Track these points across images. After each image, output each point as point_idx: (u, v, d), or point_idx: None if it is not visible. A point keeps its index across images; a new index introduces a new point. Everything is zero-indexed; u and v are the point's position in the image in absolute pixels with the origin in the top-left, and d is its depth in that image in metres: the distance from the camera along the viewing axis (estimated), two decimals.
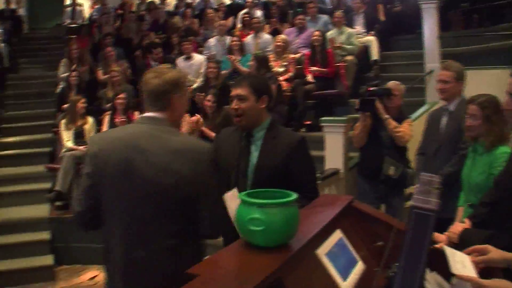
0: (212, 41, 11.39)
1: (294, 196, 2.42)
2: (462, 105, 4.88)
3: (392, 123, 5.61)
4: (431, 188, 2.36)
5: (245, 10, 13.32)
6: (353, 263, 2.66)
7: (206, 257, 2.67)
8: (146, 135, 2.87)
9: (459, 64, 5.31)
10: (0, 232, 7.84)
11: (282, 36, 9.84)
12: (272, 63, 9.23)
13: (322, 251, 2.47)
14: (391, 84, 5.82)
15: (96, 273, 7.51)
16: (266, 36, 11.00)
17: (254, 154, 3.56)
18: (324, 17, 11.66)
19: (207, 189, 2.86)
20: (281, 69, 9.40)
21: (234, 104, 3.54)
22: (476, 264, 2.45)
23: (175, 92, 3.02)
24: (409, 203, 2.70)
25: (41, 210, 8.33)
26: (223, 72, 9.54)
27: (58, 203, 8.21)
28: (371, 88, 5.77)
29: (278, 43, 9.55)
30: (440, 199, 2.19)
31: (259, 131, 3.59)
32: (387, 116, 5.64)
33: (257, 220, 2.28)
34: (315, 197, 3.30)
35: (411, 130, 5.69)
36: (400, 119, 5.73)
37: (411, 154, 5.87)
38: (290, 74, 9.38)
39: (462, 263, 2.43)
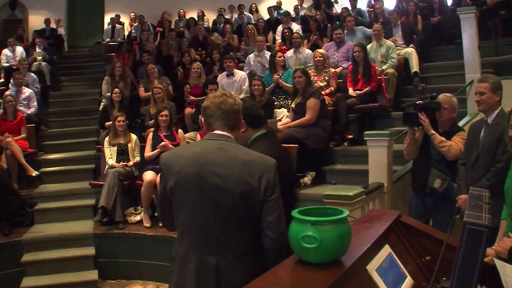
0: (251, 57, 11.42)
1: (346, 212, 2.42)
2: (500, 117, 4.93)
3: (437, 138, 5.55)
4: (482, 203, 2.34)
5: (282, 25, 13.41)
6: (402, 278, 2.66)
7: None
8: (214, 149, 3.05)
9: (495, 76, 5.28)
10: (45, 247, 7.93)
11: (321, 51, 9.76)
12: (313, 78, 9.21)
13: (372, 267, 2.47)
14: (441, 97, 5.73)
15: None
16: (306, 51, 10.97)
17: None
18: (360, 28, 11.74)
19: (272, 200, 2.96)
20: (323, 84, 9.36)
21: None
22: None
23: (241, 114, 3.31)
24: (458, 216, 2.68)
25: (86, 226, 8.40)
26: (268, 88, 9.48)
27: (102, 219, 8.25)
28: (419, 102, 5.72)
29: (317, 58, 9.50)
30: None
31: None
32: (432, 131, 5.58)
33: (311, 237, 2.30)
34: None
35: (463, 143, 5.57)
36: (452, 132, 5.68)
37: None
38: (331, 88, 9.33)
39: None
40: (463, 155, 5.52)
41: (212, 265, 2.95)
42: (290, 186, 3.89)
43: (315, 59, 9.57)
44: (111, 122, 9.03)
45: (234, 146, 3.14)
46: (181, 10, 18.56)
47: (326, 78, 9.40)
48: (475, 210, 2.26)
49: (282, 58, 9.97)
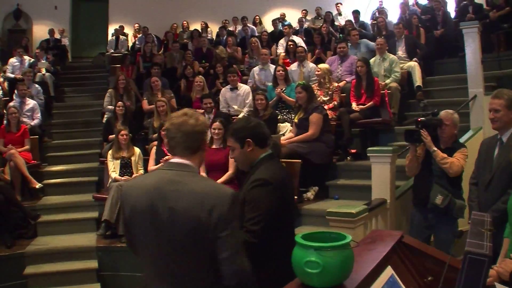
0: (256, 70, 11.44)
1: (349, 238, 2.43)
2: None
3: (439, 155, 5.50)
4: (484, 230, 2.34)
5: (284, 38, 13.47)
6: None
7: None
8: (167, 181, 2.89)
9: (509, 91, 5.11)
10: (48, 259, 7.93)
11: (321, 66, 9.82)
12: (316, 92, 9.22)
13: None
14: (442, 113, 5.68)
15: None
16: (310, 65, 10.99)
17: None
18: (364, 41, 11.78)
19: (224, 236, 2.78)
20: (326, 98, 9.38)
21: (230, 154, 3.74)
22: None
23: (205, 134, 3.13)
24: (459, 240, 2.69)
25: (89, 239, 8.37)
26: (270, 102, 9.52)
27: (105, 232, 8.25)
28: (420, 119, 5.69)
29: (320, 73, 9.54)
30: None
31: (249, 170, 3.73)
32: (434, 148, 5.54)
33: (314, 263, 2.31)
34: (251, 230, 3.38)
35: (465, 160, 5.56)
36: (454, 148, 5.62)
37: (466, 184, 5.71)
38: (335, 102, 9.35)
39: None
40: (474, 174, 5.48)
41: None
42: (291, 208, 3.80)
43: (317, 73, 9.61)
44: (114, 135, 9.04)
45: (189, 175, 2.94)
46: (185, 22, 18.60)
47: (329, 92, 9.43)
48: (476, 238, 2.27)
49: (282, 72, 9.96)
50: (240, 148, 3.63)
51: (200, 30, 17.09)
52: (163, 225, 2.80)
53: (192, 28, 17.87)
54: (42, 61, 14.35)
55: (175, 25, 18.50)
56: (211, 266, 2.82)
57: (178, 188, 2.83)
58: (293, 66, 11.07)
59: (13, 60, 13.80)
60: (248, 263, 2.87)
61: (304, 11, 17.47)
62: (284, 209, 3.56)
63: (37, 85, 12.42)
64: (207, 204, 2.75)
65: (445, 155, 5.51)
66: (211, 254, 2.79)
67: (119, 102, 10.19)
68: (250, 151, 3.63)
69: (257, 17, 18.57)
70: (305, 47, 12.16)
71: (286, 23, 16.85)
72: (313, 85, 9.23)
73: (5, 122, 10.05)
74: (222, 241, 2.76)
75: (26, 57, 14.10)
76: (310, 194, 7.92)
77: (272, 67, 11.07)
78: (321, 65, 9.84)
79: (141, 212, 2.87)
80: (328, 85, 9.50)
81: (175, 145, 3.01)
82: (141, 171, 8.64)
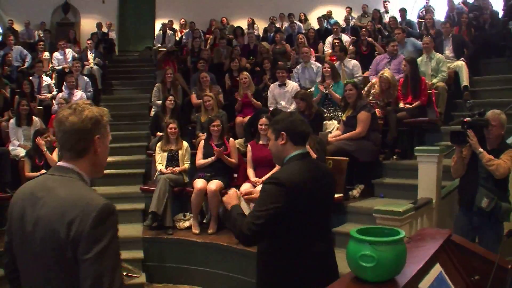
0: (298, 68, 11.49)
1: (403, 233, 2.49)
2: None
3: (486, 156, 5.43)
4: None
5: (332, 36, 13.47)
6: None
7: None
8: (42, 186, 2.46)
9: None
10: None
11: (387, 75, 9.23)
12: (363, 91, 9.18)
13: (423, 285, 2.53)
14: (489, 114, 5.60)
15: None
16: (352, 62, 11.02)
17: None
18: (411, 40, 11.70)
19: (90, 261, 2.22)
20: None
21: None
22: None
23: (97, 132, 2.53)
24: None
25: (135, 230, 8.50)
26: (315, 98, 9.55)
27: (152, 223, 8.33)
28: (466, 120, 5.62)
29: (383, 84, 9.21)
30: None
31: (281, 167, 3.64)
32: (480, 150, 5.47)
33: (368, 257, 2.36)
34: (248, 222, 3.22)
35: None
36: (500, 150, 5.54)
37: None
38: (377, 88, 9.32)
39: None
40: None
41: None
42: (327, 212, 3.63)
43: (381, 83, 9.28)
44: (163, 130, 9.23)
45: (65, 181, 2.43)
46: (224, 18, 18.96)
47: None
48: None
49: (327, 69, 9.93)
50: (274, 139, 3.55)
51: (243, 28, 16.99)
52: (27, 237, 2.38)
53: (238, 24, 17.90)
54: (91, 54, 14.56)
55: (213, 22, 18.76)
56: None
57: (47, 194, 2.38)
58: (335, 65, 10.92)
59: (56, 54, 14.19)
60: None
61: (348, 9, 17.34)
62: (301, 214, 3.34)
63: (85, 77, 12.65)
64: (68, 215, 2.26)
65: (492, 157, 5.44)
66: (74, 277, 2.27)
67: (170, 97, 10.28)
68: (282, 144, 3.51)
69: (302, 14, 18.57)
70: (344, 45, 12.23)
71: (332, 21, 16.83)
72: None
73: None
74: (85, 266, 2.22)
75: (68, 50, 14.42)
76: (355, 192, 7.95)
77: (314, 64, 11.15)
78: (387, 75, 9.31)
79: (15, 219, 2.46)
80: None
81: (60, 146, 2.54)
82: (187, 165, 8.72)
